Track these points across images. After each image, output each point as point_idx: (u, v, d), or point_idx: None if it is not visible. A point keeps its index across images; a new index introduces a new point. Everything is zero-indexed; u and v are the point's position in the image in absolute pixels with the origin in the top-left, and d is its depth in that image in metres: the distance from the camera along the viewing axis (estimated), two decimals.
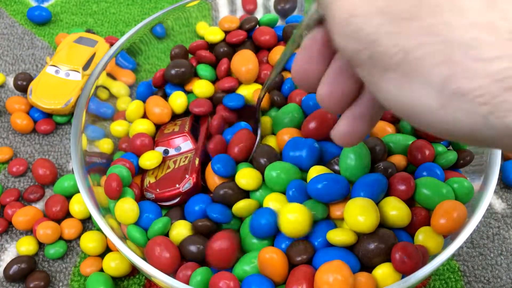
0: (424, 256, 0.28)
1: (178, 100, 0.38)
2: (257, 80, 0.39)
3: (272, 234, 0.30)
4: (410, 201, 0.31)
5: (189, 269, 0.29)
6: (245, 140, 0.34)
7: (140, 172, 0.36)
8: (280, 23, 0.45)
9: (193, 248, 0.30)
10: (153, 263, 0.29)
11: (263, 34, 0.40)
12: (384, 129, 0.35)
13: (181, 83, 0.39)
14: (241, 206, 0.32)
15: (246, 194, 0.33)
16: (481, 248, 0.38)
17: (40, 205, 0.40)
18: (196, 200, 0.33)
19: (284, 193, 0.32)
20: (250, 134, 0.35)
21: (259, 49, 0.41)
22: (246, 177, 0.32)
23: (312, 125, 0.33)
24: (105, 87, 0.36)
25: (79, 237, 0.38)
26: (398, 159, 0.33)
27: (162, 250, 0.30)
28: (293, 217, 0.28)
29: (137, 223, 0.32)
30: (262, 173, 0.33)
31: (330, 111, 0.23)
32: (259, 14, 0.46)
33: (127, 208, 0.31)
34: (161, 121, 0.38)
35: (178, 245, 0.31)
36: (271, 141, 0.36)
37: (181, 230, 0.32)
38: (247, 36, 0.40)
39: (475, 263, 0.37)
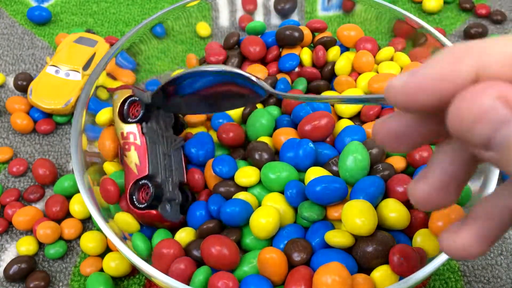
0: (422, 259, 0.28)
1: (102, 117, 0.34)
2: None
3: (242, 224, 0.31)
4: (409, 203, 0.31)
5: (182, 263, 0.29)
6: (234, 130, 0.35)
7: None
8: (279, 22, 0.45)
9: (197, 253, 0.30)
10: (159, 267, 0.29)
11: (252, 45, 0.39)
12: None
13: None
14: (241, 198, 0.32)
15: (245, 191, 0.33)
16: None
17: (40, 205, 0.40)
18: (197, 206, 0.33)
19: (281, 192, 0.32)
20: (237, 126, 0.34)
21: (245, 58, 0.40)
22: (246, 176, 0.32)
23: (308, 127, 0.33)
24: (105, 87, 0.36)
25: (79, 237, 0.38)
26: (397, 161, 0.33)
27: (171, 254, 0.29)
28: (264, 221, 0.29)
29: (141, 231, 0.32)
30: (259, 167, 0.33)
31: (422, 209, 0.20)
32: (259, 14, 0.46)
33: (128, 221, 0.31)
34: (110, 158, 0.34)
35: (184, 248, 0.31)
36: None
37: (182, 234, 0.32)
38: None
39: (475, 263, 0.37)
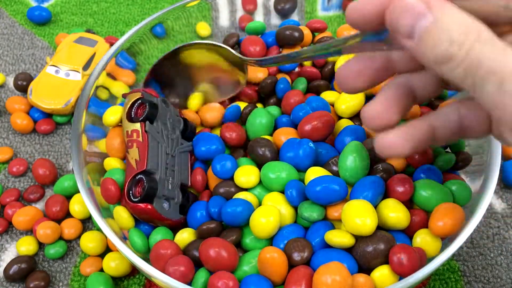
0: (422, 259, 0.28)
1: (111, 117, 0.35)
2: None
3: (243, 224, 0.31)
4: (409, 203, 0.31)
5: (181, 264, 0.28)
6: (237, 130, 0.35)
7: None
8: (279, 22, 0.45)
9: (197, 253, 0.30)
10: (159, 268, 0.29)
11: (252, 45, 0.39)
12: None
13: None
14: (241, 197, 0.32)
15: (245, 191, 0.33)
16: (481, 248, 0.38)
17: (40, 205, 0.40)
18: (198, 207, 0.33)
19: (281, 192, 0.32)
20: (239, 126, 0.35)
21: None
22: (245, 174, 0.32)
23: (308, 126, 0.33)
24: (105, 87, 0.36)
25: (79, 237, 0.38)
26: (397, 161, 0.33)
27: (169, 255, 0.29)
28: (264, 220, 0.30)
29: (140, 229, 0.32)
30: (260, 163, 0.33)
31: (371, 127, 0.25)
32: (259, 14, 0.46)
33: (122, 214, 0.31)
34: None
35: (183, 250, 0.31)
36: None
37: (184, 234, 0.32)
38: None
39: (475, 263, 0.37)
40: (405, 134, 0.24)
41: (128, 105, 0.34)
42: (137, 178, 0.32)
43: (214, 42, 0.36)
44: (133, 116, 0.34)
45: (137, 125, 0.33)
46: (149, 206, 0.31)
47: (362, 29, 0.23)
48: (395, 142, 0.24)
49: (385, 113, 0.24)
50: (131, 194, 0.31)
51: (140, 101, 0.34)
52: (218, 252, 0.28)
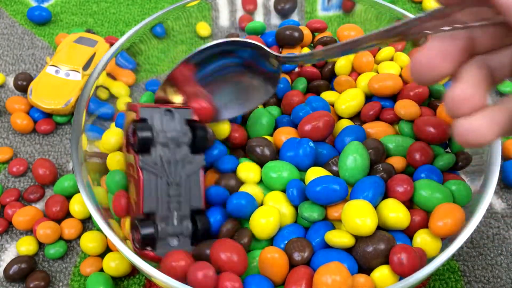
0: (422, 259, 0.28)
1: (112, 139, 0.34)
2: None
3: (247, 216, 0.31)
4: (409, 203, 0.31)
5: (181, 260, 0.28)
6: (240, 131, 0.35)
7: None
8: (279, 22, 0.45)
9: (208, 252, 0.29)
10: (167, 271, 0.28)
11: None
12: (383, 130, 0.35)
13: None
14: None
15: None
16: (481, 248, 0.38)
17: (40, 205, 0.40)
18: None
19: (282, 191, 0.32)
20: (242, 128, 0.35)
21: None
22: (246, 170, 0.33)
23: (308, 126, 0.33)
24: (105, 87, 0.36)
25: (79, 237, 0.38)
26: (397, 161, 0.33)
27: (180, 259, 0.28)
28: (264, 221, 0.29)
29: None
30: (260, 163, 0.33)
31: (453, 113, 0.22)
32: (259, 14, 0.46)
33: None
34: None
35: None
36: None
37: None
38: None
39: (475, 263, 0.37)
40: (490, 117, 0.21)
41: (126, 128, 0.31)
42: (135, 223, 0.29)
43: (244, 39, 0.33)
44: (131, 141, 0.30)
45: (131, 158, 0.30)
46: (152, 254, 0.28)
47: (451, 3, 0.21)
48: (482, 125, 0.21)
49: (476, 95, 0.22)
50: (134, 239, 0.29)
51: (132, 126, 0.30)
52: (230, 257, 0.27)
